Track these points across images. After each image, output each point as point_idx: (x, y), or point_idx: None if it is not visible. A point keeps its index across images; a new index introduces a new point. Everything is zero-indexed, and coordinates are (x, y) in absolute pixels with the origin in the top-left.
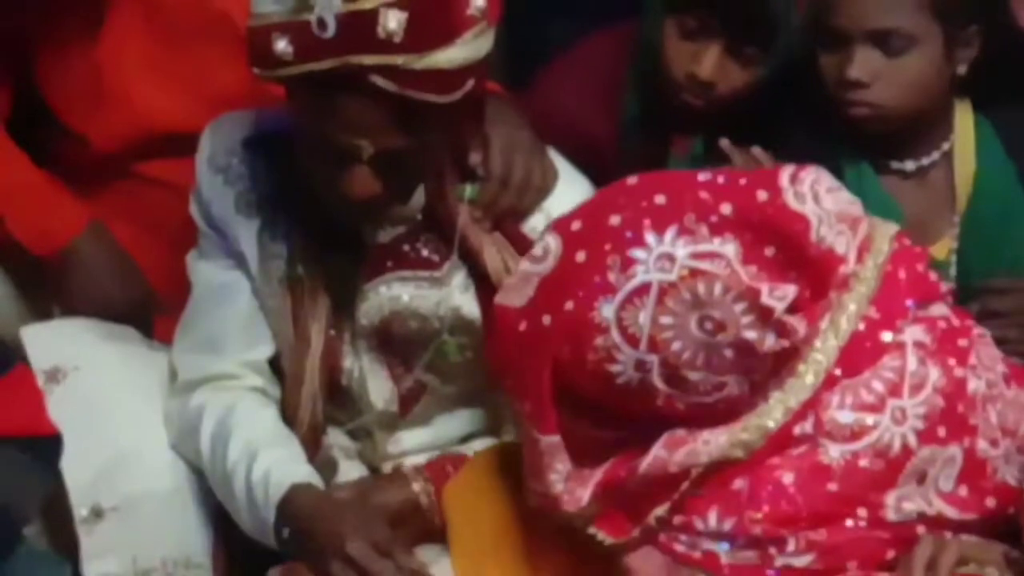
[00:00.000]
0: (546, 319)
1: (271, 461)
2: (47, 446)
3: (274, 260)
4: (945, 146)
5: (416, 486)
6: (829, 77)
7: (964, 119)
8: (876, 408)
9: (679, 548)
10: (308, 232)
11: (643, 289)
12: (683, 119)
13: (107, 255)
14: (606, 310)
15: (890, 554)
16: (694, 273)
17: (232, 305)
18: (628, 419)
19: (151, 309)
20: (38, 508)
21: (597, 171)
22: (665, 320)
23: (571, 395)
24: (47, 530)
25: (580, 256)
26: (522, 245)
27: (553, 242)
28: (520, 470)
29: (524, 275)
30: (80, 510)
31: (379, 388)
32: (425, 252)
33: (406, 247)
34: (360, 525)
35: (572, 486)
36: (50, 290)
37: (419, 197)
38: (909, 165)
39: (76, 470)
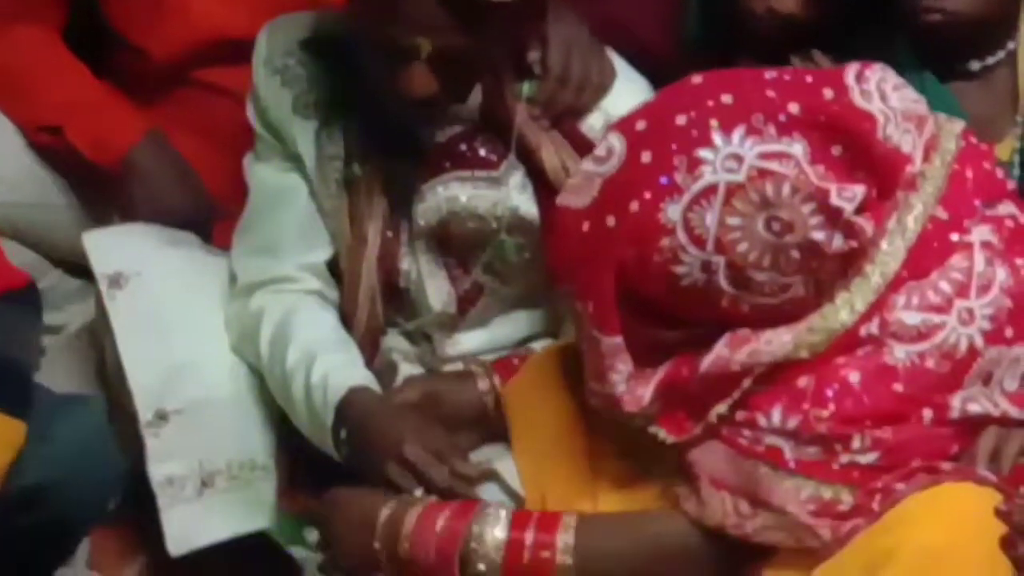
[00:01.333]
0: (610, 220)
1: (329, 365)
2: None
3: (331, 161)
4: (1011, 45)
5: (483, 384)
6: None
7: None
8: (943, 309)
9: (743, 442)
10: (365, 133)
11: (710, 190)
12: (750, 40)
13: (166, 162)
14: (672, 211)
15: (954, 449)
16: (762, 173)
17: (290, 208)
18: (691, 321)
19: (210, 215)
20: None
21: (653, 78)
22: (732, 221)
23: (634, 297)
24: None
25: (645, 156)
26: (580, 144)
27: (617, 142)
28: (579, 370)
29: (587, 176)
30: (145, 414)
31: (437, 290)
32: (483, 152)
33: (463, 147)
34: (418, 429)
35: (633, 386)
36: (110, 199)
37: (477, 96)
38: (974, 65)
39: (140, 374)
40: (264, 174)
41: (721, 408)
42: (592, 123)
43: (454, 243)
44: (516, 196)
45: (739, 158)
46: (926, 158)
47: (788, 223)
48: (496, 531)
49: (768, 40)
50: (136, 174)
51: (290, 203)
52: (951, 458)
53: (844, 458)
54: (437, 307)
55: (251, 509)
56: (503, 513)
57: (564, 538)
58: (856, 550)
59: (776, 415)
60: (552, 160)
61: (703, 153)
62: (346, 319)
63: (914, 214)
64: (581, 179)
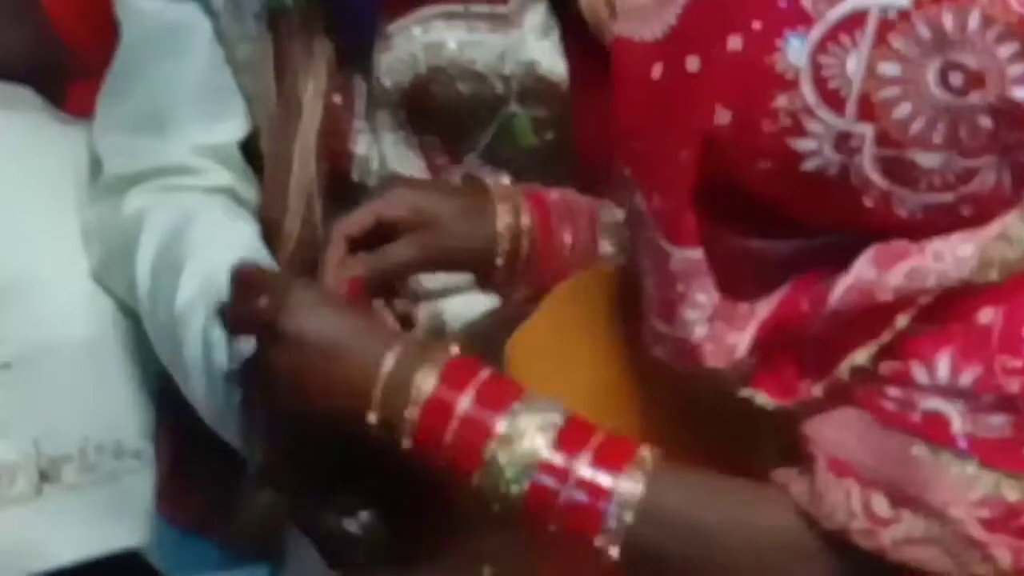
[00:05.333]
0: (692, 63)
1: None
2: None
3: None
4: None
5: (504, 218)
6: None
7: None
8: None
9: (887, 406)
10: None
11: (856, 19)
12: None
13: None
14: (795, 51)
15: None
16: None
17: (184, 58)
18: (812, 227)
19: (61, 67)
20: None
21: None
22: (888, 69)
23: (724, 188)
24: None
25: None
26: None
27: None
28: (625, 309)
29: None
30: None
31: None
32: None
33: None
34: None
35: (721, 329)
36: None
37: None
38: None
39: None
40: (144, 7)
41: (860, 357)
42: None
43: (437, 115)
44: (534, 44)
45: None
46: None
47: (975, 74)
48: (535, 440)
49: None
50: None
51: (184, 51)
52: None
53: None
54: None
55: (115, 516)
56: (554, 415)
57: (627, 486)
58: None
59: (943, 365)
60: None
61: None
62: (268, 229)
63: None
64: None
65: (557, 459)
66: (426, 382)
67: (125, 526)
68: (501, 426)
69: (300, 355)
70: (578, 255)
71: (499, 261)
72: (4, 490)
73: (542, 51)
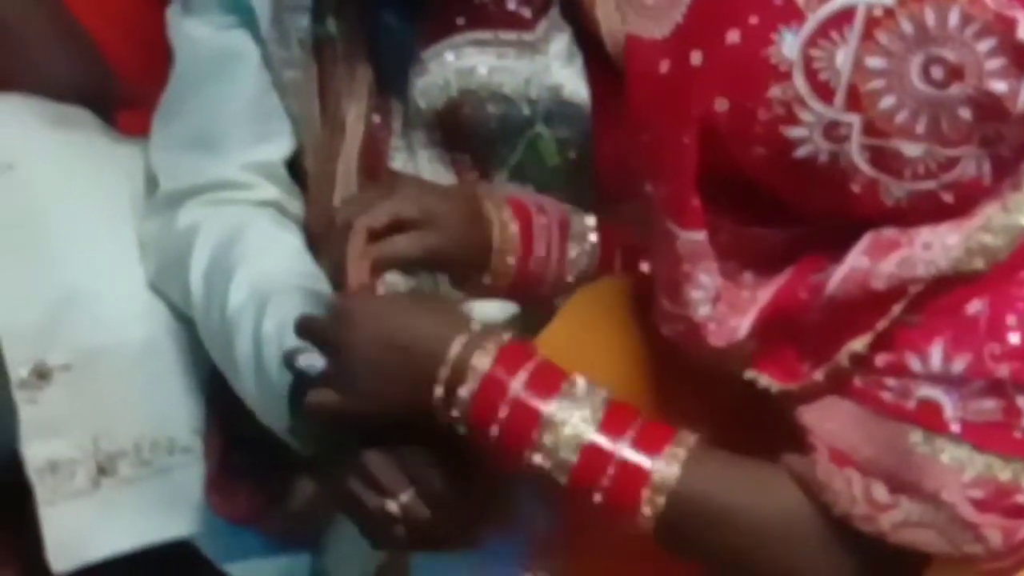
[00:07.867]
0: (695, 57)
1: (289, 308)
2: None
3: (294, 14)
4: None
5: (496, 230)
6: None
7: None
8: None
9: (885, 396)
10: None
11: (844, 16)
12: None
13: (44, 17)
14: (788, 45)
15: None
16: None
17: (233, 82)
18: (808, 215)
19: (108, 95)
20: None
21: None
22: (874, 63)
23: (724, 176)
24: None
25: None
26: None
27: None
28: (644, 312)
29: None
30: (17, 370)
31: None
32: (512, 4)
33: None
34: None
35: (723, 311)
36: None
37: None
38: None
39: (12, 313)
40: (197, 34)
41: (857, 344)
42: None
43: (468, 135)
44: (559, 70)
45: None
46: None
47: (956, 67)
48: (582, 422)
49: None
50: (1, 33)
51: (234, 75)
52: None
53: None
54: None
55: (168, 508)
56: (598, 400)
57: (663, 468)
58: None
59: (936, 355)
60: (612, 20)
61: None
62: (313, 241)
63: None
64: None
65: (603, 441)
66: (482, 362)
67: (176, 517)
68: (551, 408)
69: (368, 354)
70: (551, 262)
71: (486, 277)
72: (65, 484)
73: (566, 76)
